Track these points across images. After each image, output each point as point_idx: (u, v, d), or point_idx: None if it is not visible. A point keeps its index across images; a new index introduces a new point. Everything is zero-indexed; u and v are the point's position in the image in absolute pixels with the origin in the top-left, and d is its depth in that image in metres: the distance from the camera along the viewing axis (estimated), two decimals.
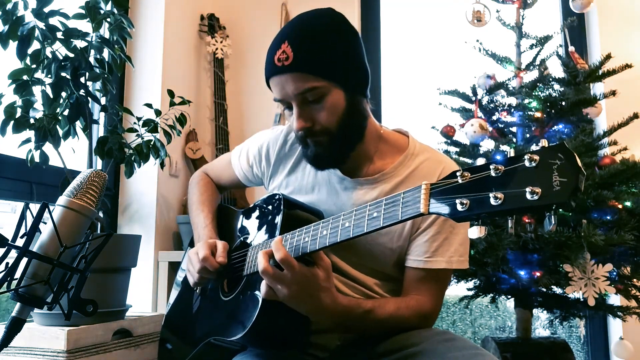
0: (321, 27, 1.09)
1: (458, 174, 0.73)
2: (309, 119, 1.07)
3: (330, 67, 1.07)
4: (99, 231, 1.77)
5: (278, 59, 1.05)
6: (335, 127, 1.09)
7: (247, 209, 1.31)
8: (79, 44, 1.60)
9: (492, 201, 0.68)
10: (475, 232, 0.74)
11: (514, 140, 2.14)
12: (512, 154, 0.70)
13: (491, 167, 0.69)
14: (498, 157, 0.73)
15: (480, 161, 0.75)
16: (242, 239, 1.25)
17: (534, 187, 0.64)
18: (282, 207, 1.11)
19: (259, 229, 1.19)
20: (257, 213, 1.24)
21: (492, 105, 2.19)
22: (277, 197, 1.16)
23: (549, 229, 0.64)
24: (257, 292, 1.06)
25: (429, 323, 1.13)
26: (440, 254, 1.11)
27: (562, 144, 0.66)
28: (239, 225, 1.32)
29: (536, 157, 0.66)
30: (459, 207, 0.71)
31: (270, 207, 1.18)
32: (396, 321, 1.07)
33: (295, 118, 1.07)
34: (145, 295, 2.18)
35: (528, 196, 0.64)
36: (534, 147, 0.72)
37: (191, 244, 1.43)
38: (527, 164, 0.66)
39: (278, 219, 1.10)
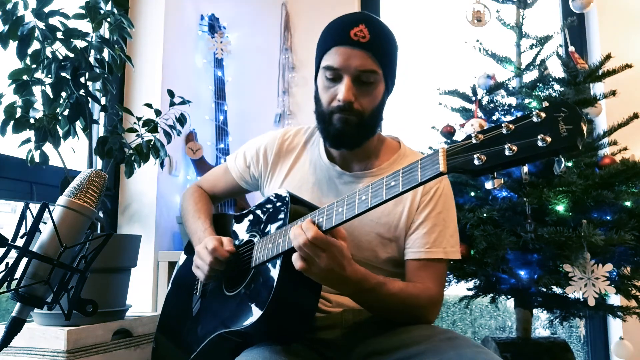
0: (389, 29, 1.23)
1: (472, 135, 0.79)
2: (354, 95, 1.16)
3: (390, 63, 1.21)
4: (99, 231, 1.77)
5: (355, 34, 1.15)
6: (368, 114, 1.19)
7: (246, 212, 1.32)
8: (79, 44, 1.60)
9: (507, 152, 0.75)
10: (491, 184, 0.80)
11: None
12: (519, 115, 0.77)
13: (502, 125, 0.77)
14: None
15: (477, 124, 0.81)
16: (245, 237, 1.26)
17: (544, 136, 0.72)
18: (287, 201, 1.15)
19: (265, 225, 1.21)
20: (260, 211, 1.26)
21: (492, 105, 2.18)
22: (280, 192, 1.19)
23: (559, 172, 0.74)
24: (269, 277, 1.08)
25: (436, 307, 1.19)
26: (437, 245, 1.21)
27: (564, 100, 0.74)
28: (239, 227, 1.33)
29: (542, 114, 0.74)
30: (476, 162, 0.78)
31: (274, 203, 1.20)
32: (406, 296, 1.13)
33: (346, 89, 1.15)
34: (145, 295, 2.18)
35: (539, 143, 0.72)
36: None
37: (187, 247, 1.44)
38: (534, 119, 0.74)
39: (285, 212, 1.13)
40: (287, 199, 1.15)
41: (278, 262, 1.07)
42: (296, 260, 1.00)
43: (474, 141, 0.79)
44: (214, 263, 1.18)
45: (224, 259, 1.18)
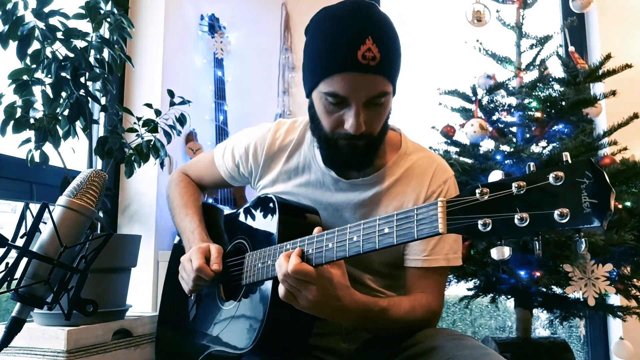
0: (394, 28, 1.06)
1: (477, 190, 0.69)
2: (365, 121, 1.03)
3: (397, 73, 1.07)
4: (99, 231, 1.77)
5: (364, 56, 0.97)
6: (377, 132, 1.08)
7: (237, 210, 1.28)
8: (79, 44, 1.60)
9: (517, 222, 0.64)
10: (496, 253, 0.69)
11: (514, 140, 2.14)
12: (533, 169, 0.65)
13: (513, 184, 0.65)
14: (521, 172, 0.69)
15: (496, 174, 0.69)
16: (235, 243, 1.23)
17: (562, 209, 0.61)
18: (276, 211, 1.08)
19: (254, 234, 1.16)
20: (250, 216, 1.21)
21: (492, 105, 2.18)
22: (269, 199, 1.13)
23: (581, 252, 0.62)
24: (260, 302, 1.05)
25: (436, 319, 1.14)
26: (437, 251, 1.12)
27: (589, 160, 0.62)
28: (229, 227, 1.29)
29: (561, 174, 0.62)
30: (481, 228, 0.67)
31: (263, 211, 1.14)
32: (411, 320, 1.06)
33: (356, 120, 1.01)
34: (145, 295, 2.17)
35: (557, 218, 0.61)
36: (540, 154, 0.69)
37: (179, 244, 1.39)
38: (552, 181, 0.62)
39: (274, 225, 1.08)
40: (275, 209, 1.08)
41: (269, 287, 1.03)
42: (280, 291, 0.93)
43: (479, 197, 0.68)
44: (199, 279, 1.12)
45: (209, 278, 1.11)
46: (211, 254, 1.13)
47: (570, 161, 0.63)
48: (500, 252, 0.69)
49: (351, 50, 0.97)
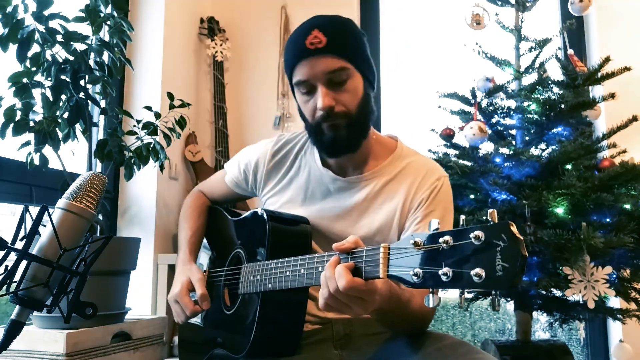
0: (346, 21, 1.20)
1: (411, 241, 0.74)
2: (333, 99, 1.13)
3: (356, 53, 1.16)
4: (98, 234, 1.77)
5: (311, 43, 1.12)
6: (355, 110, 1.16)
7: (239, 220, 1.34)
8: (79, 46, 1.60)
9: (442, 277, 0.69)
10: (430, 301, 0.73)
11: (513, 142, 2.15)
12: (463, 223, 0.70)
13: (441, 240, 0.70)
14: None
15: (434, 224, 0.74)
16: (235, 252, 1.29)
17: (479, 270, 0.64)
18: (267, 227, 1.14)
19: (249, 246, 1.24)
20: (245, 228, 1.29)
21: (491, 108, 2.19)
22: (260, 214, 1.19)
23: (495, 310, 0.66)
24: (251, 314, 1.12)
25: (431, 315, 1.15)
26: None
27: (506, 224, 0.65)
28: (230, 234, 1.37)
29: (481, 235, 0.66)
30: (414, 279, 0.73)
31: (256, 226, 1.20)
32: (421, 314, 1.08)
33: (322, 96, 1.12)
34: (144, 298, 2.17)
35: (474, 278, 0.65)
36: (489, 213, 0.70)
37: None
38: (473, 241, 0.66)
39: (265, 242, 1.14)
40: (265, 223, 1.14)
41: (258, 301, 1.10)
42: (322, 304, 0.89)
43: (414, 249, 0.74)
44: (192, 315, 1.21)
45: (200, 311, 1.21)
46: (195, 286, 1.21)
47: (495, 221, 0.66)
48: (432, 300, 0.73)
49: (300, 41, 1.13)
